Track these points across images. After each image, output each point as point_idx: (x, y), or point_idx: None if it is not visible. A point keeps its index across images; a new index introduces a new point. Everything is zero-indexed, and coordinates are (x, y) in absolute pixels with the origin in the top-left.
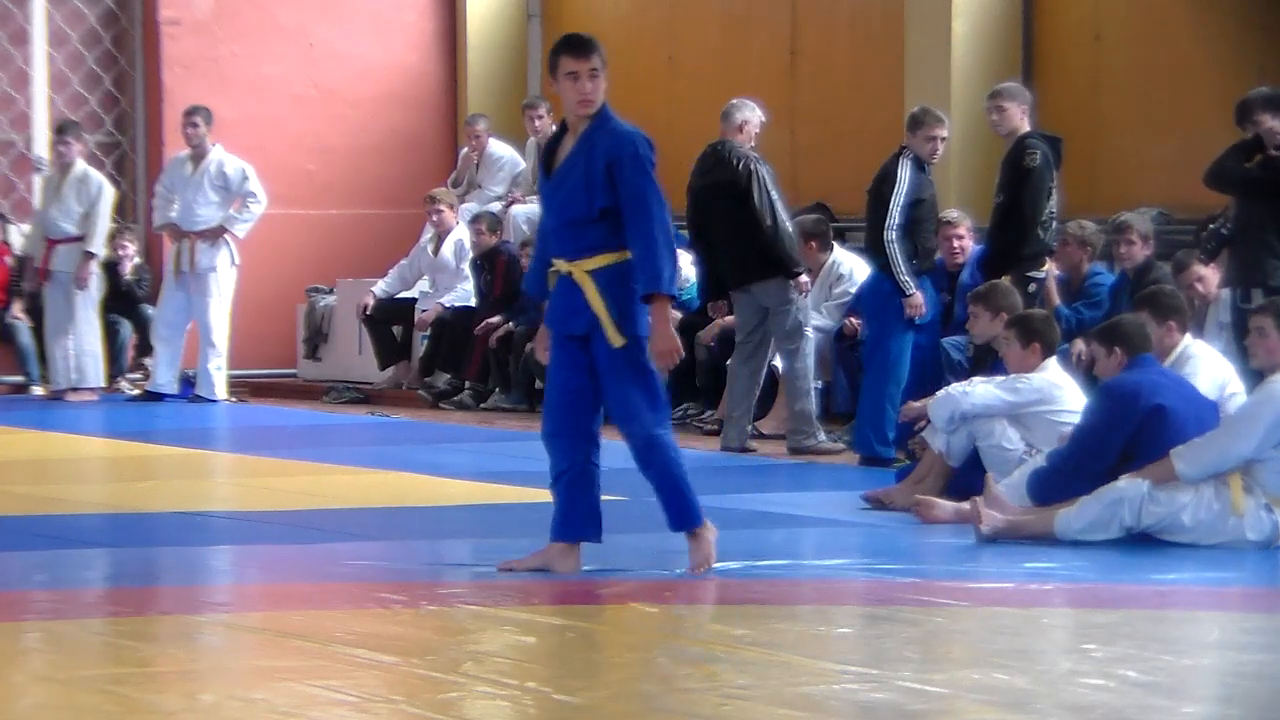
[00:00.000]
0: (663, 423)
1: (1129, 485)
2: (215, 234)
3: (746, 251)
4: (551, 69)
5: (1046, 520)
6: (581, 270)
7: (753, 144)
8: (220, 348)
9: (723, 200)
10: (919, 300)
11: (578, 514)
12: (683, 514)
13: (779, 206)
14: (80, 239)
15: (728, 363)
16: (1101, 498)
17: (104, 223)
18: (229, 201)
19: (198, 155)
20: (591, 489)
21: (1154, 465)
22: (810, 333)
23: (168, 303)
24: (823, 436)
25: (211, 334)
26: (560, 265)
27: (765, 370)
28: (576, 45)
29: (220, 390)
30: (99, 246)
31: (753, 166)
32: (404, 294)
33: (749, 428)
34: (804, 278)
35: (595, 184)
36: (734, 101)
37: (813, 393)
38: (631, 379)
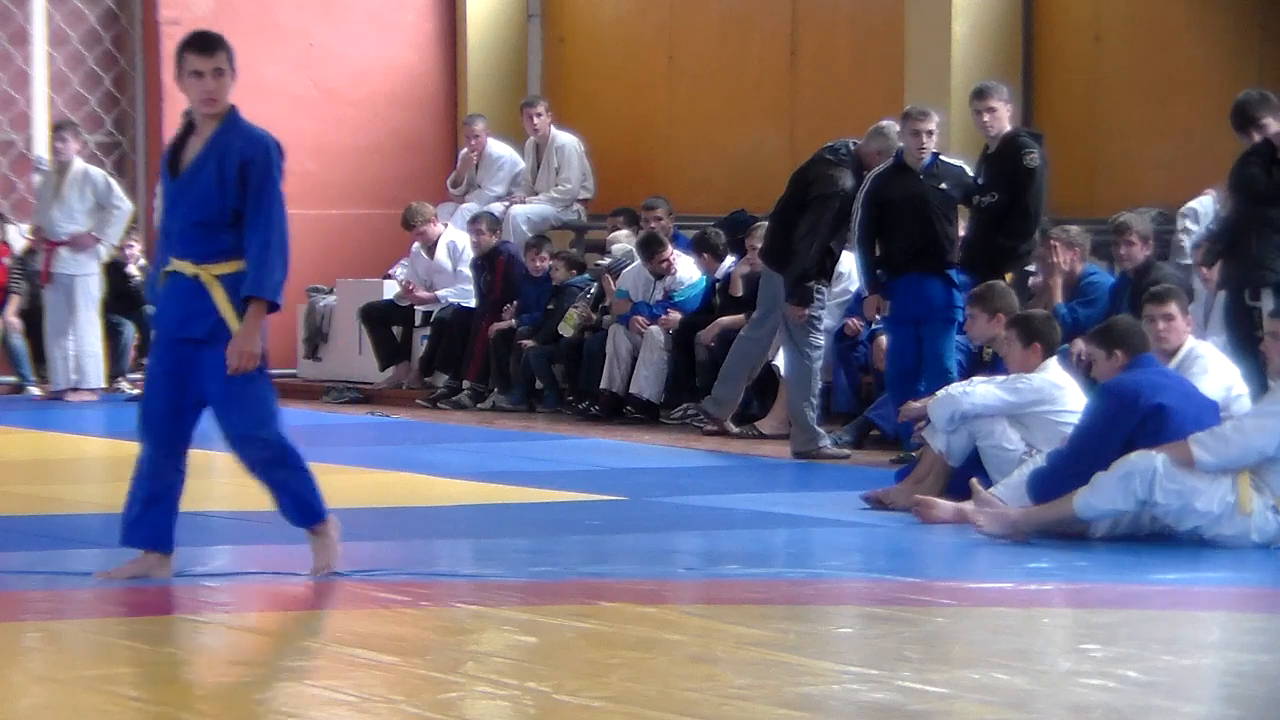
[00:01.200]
0: (283, 424)
1: (1139, 457)
2: None
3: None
4: (177, 67)
5: (1064, 506)
6: (210, 274)
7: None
8: None
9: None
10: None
11: (170, 523)
12: (311, 510)
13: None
14: (86, 235)
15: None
16: (1114, 471)
17: (121, 216)
18: None
19: None
20: (178, 499)
21: (1170, 446)
22: (822, 340)
23: None
24: (827, 441)
25: None
26: (183, 267)
27: (764, 360)
28: (202, 43)
29: None
30: (116, 237)
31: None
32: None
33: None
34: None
35: (228, 185)
36: (885, 123)
37: (816, 399)
38: (259, 385)
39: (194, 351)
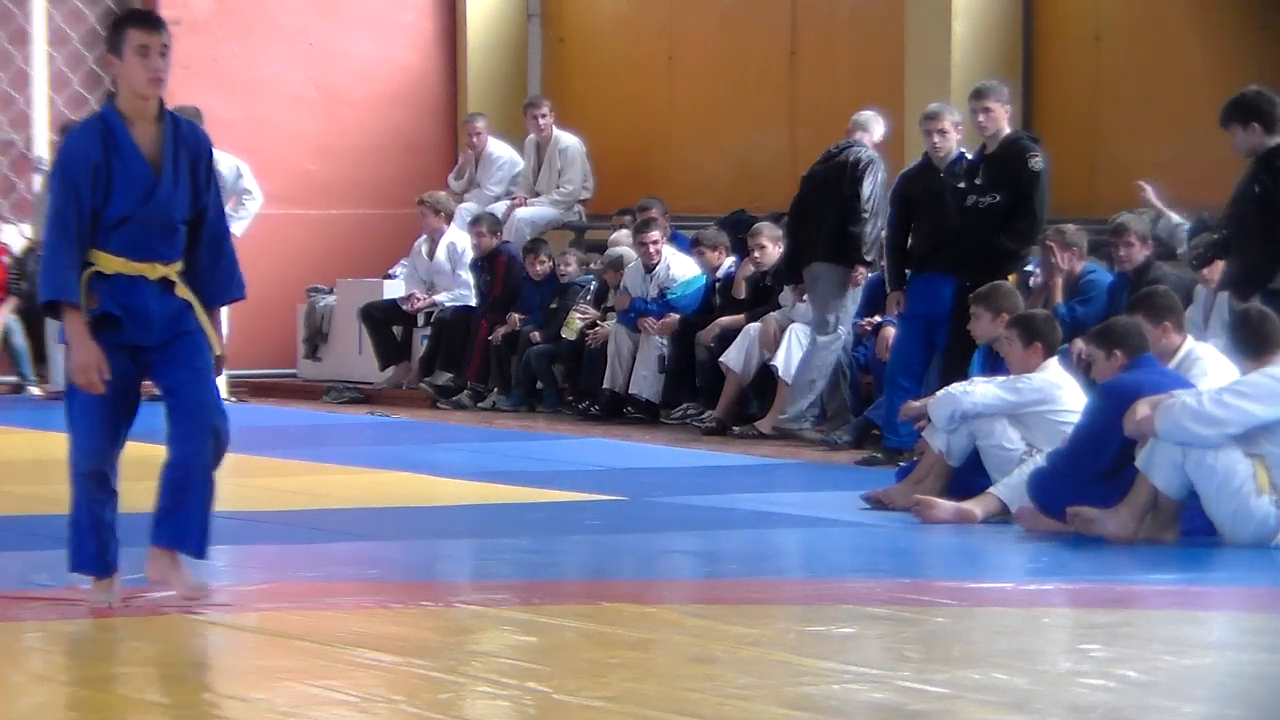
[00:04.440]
0: None
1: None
2: None
3: (819, 234)
4: (110, 44)
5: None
6: (178, 274)
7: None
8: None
9: (824, 184)
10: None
11: (116, 545)
12: (207, 536)
13: (878, 202)
14: None
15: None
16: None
17: None
18: (224, 199)
19: None
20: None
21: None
22: (844, 332)
23: None
24: (808, 424)
25: None
26: (145, 269)
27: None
28: (147, 18)
29: (220, 389)
30: None
31: (866, 158)
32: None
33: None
34: (861, 271)
35: (199, 183)
36: (869, 114)
37: (819, 385)
38: (213, 385)
39: (158, 350)
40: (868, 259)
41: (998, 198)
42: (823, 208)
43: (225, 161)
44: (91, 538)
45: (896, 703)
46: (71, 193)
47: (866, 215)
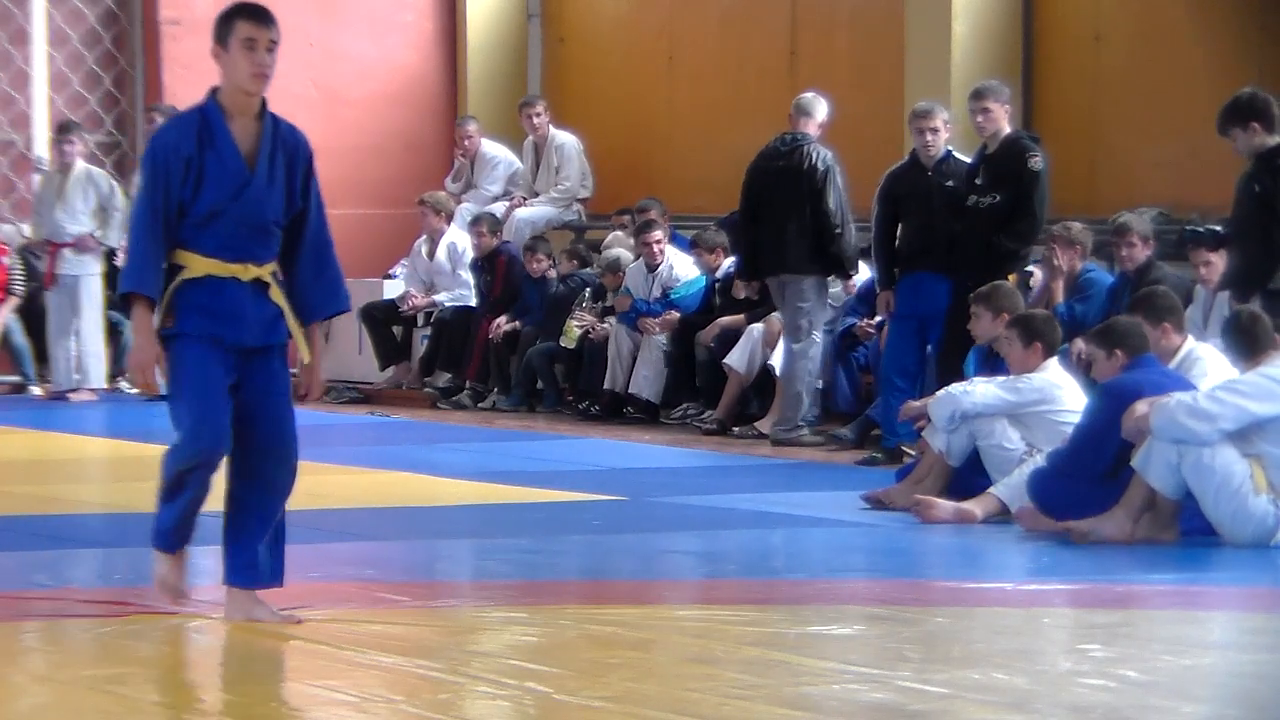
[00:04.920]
0: None
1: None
2: None
3: (788, 242)
4: (220, 35)
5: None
6: (270, 276)
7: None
8: None
9: (784, 189)
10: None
11: (191, 530)
12: (274, 564)
13: (847, 208)
14: (88, 237)
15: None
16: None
17: (121, 219)
18: None
19: None
20: None
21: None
22: (818, 337)
23: None
24: (805, 430)
25: None
26: (237, 270)
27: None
28: (257, 11)
29: None
30: (117, 240)
31: (831, 163)
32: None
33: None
34: (853, 280)
35: (295, 185)
36: (810, 96)
37: (806, 399)
38: (290, 411)
39: (244, 360)
40: (852, 273)
41: (998, 198)
42: (783, 215)
43: None
44: (173, 512)
45: (896, 703)
46: (160, 183)
47: (839, 228)
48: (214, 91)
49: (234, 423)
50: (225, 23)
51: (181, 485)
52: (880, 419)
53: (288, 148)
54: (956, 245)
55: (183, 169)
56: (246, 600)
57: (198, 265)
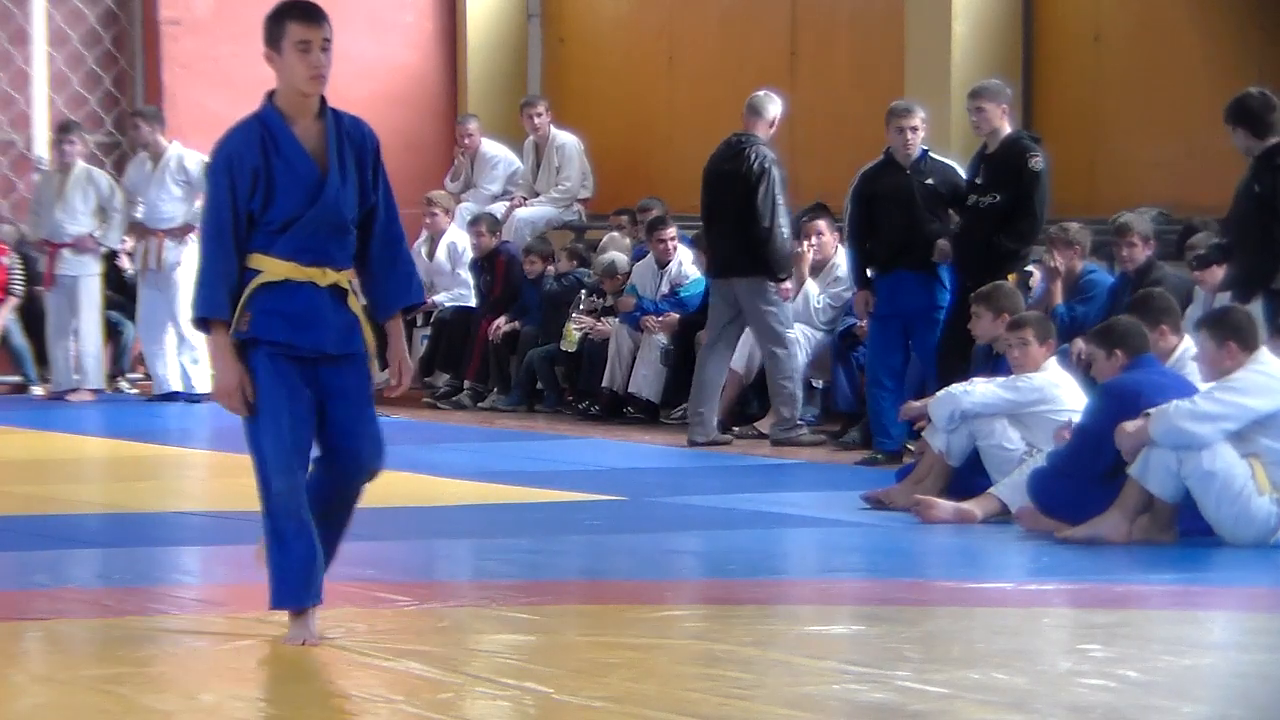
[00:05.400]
0: None
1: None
2: (182, 231)
3: (737, 246)
4: (271, 37)
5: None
6: (348, 281)
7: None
8: (195, 341)
9: (730, 192)
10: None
11: (320, 575)
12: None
13: (781, 210)
14: (88, 237)
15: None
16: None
17: (121, 220)
18: (192, 196)
19: (154, 154)
20: None
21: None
22: (795, 335)
23: (144, 304)
24: (804, 429)
25: (183, 329)
26: (313, 274)
27: (728, 365)
28: (307, 10)
29: (203, 384)
30: (116, 240)
31: (768, 165)
32: None
33: (715, 421)
34: (787, 284)
35: (366, 179)
36: (762, 94)
37: (799, 394)
38: (374, 418)
39: (316, 369)
40: (781, 276)
41: (998, 198)
42: (731, 217)
43: (192, 158)
44: (293, 567)
45: (896, 703)
46: (226, 199)
47: (768, 228)
48: (270, 96)
49: (321, 426)
50: (275, 24)
51: (284, 531)
52: (872, 421)
53: (354, 142)
54: (960, 245)
55: (249, 181)
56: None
57: (275, 269)
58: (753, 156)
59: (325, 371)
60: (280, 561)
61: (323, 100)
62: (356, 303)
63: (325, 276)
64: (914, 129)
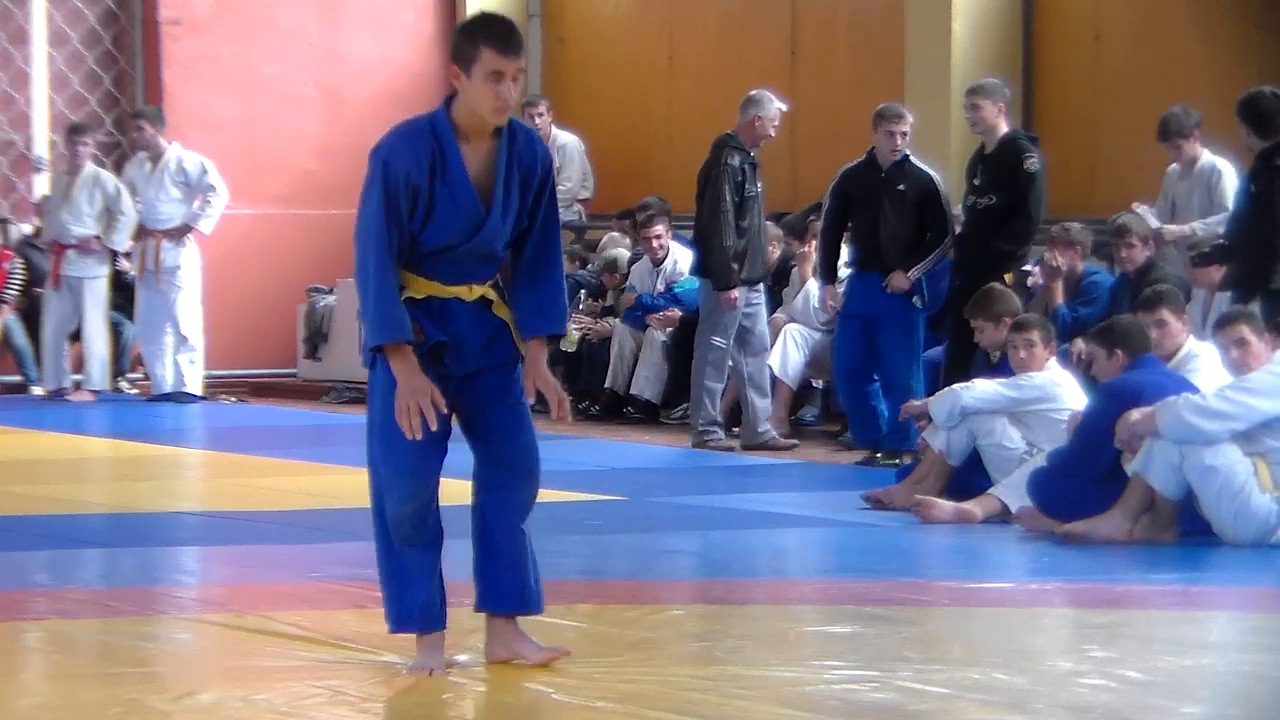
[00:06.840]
0: None
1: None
2: (180, 232)
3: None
4: (460, 56)
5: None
6: (495, 290)
7: (770, 135)
8: (194, 342)
9: (699, 194)
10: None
11: (442, 597)
12: (531, 588)
13: (727, 217)
14: (93, 239)
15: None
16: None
17: (126, 224)
18: (191, 197)
19: (154, 155)
20: None
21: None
22: (718, 342)
23: (143, 304)
24: (770, 430)
25: (182, 329)
26: (460, 291)
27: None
28: (508, 39)
29: (196, 385)
30: (122, 244)
31: (720, 169)
32: None
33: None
34: (733, 293)
35: (525, 205)
36: (752, 94)
37: (709, 405)
38: (529, 421)
39: (466, 382)
40: (719, 285)
41: (995, 199)
42: (698, 219)
43: (191, 159)
44: (412, 589)
45: (896, 703)
46: (392, 214)
47: (706, 235)
48: (447, 102)
49: (472, 435)
50: (469, 44)
51: (403, 556)
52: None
53: (524, 165)
54: (959, 246)
55: (411, 200)
56: (507, 631)
57: (419, 287)
58: (714, 159)
59: (463, 384)
60: (396, 584)
61: None
62: (503, 308)
63: (471, 292)
64: (903, 134)
